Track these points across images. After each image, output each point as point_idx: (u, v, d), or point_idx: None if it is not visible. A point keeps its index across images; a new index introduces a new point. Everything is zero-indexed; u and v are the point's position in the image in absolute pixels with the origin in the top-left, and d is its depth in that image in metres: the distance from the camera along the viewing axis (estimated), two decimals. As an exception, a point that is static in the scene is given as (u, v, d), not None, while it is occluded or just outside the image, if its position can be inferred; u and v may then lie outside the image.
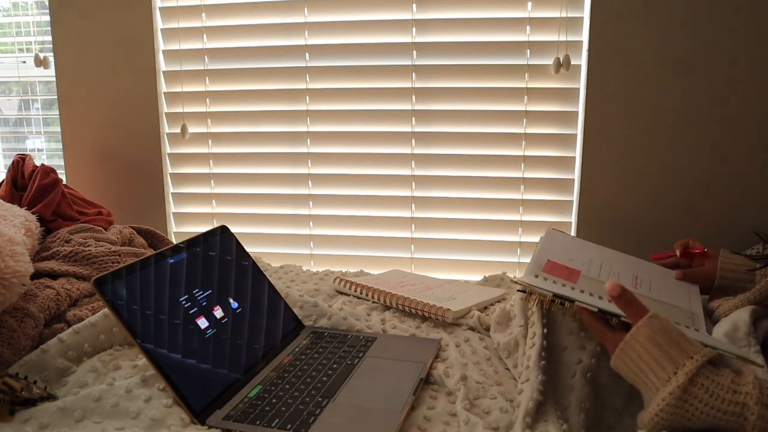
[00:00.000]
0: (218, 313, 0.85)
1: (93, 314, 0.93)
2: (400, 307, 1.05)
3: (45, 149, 1.85)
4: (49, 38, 1.51)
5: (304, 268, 1.34)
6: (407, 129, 1.42)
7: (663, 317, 0.65)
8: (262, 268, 0.99)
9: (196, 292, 0.84)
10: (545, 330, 0.81)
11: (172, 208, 1.57)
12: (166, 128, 1.53)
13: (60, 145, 1.57)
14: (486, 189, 1.41)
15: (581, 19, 1.31)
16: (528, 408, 0.70)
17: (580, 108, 1.33)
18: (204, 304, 0.84)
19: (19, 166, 1.24)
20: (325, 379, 0.80)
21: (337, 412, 0.72)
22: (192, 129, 1.51)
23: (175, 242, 1.46)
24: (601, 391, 0.75)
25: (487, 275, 1.29)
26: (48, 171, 1.23)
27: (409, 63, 1.39)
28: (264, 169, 1.51)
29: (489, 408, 0.74)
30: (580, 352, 0.78)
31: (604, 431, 0.73)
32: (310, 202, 1.50)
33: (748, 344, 0.71)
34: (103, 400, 0.70)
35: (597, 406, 0.74)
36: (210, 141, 1.52)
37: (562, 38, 1.31)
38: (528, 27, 1.33)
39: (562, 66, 1.30)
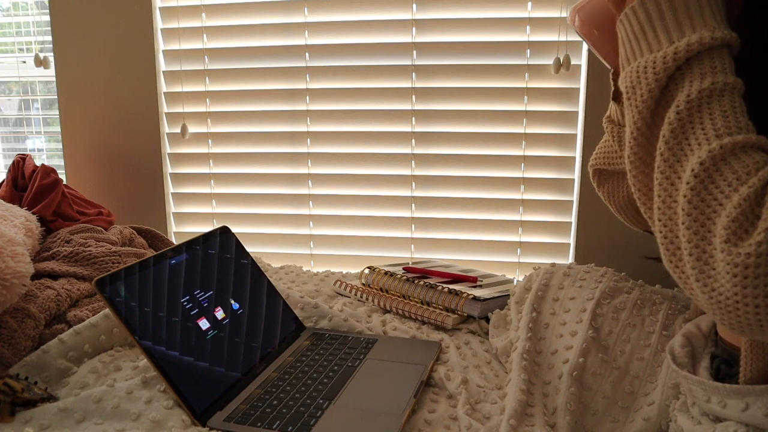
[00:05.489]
0: (219, 314, 0.85)
1: (93, 315, 0.93)
2: (399, 311, 1.06)
3: (45, 149, 1.85)
4: (49, 38, 1.51)
5: (305, 269, 1.34)
6: (407, 129, 1.42)
7: None
8: (262, 269, 0.99)
9: (197, 293, 0.84)
10: (529, 333, 0.82)
11: (172, 208, 1.57)
12: (166, 128, 1.53)
13: (60, 145, 1.57)
14: (486, 189, 1.42)
15: (581, 19, 1.30)
16: (512, 409, 0.70)
17: (580, 108, 1.34)
18: (205, 305, 0.84)
19: (20, 166, 1.24)
20: (326, 380, 0.80)
21: (338, 414, 0.72)
22: (192, 129, 1.51)
23: (175, 242, 1.47)
24: (583, 393, 0.75)
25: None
26: (48, 171, 1.22)
27: (409, 63, 1.39)
28: (264, 169, 1.51)
29: (490, 413, 0.74)
30: (567, 352, 0.79)
31: None
32: (310, 202, 1.50)
33: (705, 344, 0.70)
34: (104, 402, 0.70)
35: (579, 409, 0.74)
36: (210, 141, 1.52)
37: (562, 38, 1.31)
38: (528, 27, 1.33)
39: (562, 66, 1.30)
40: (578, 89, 1.33)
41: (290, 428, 0.68)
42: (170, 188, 1.56)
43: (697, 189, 0.48)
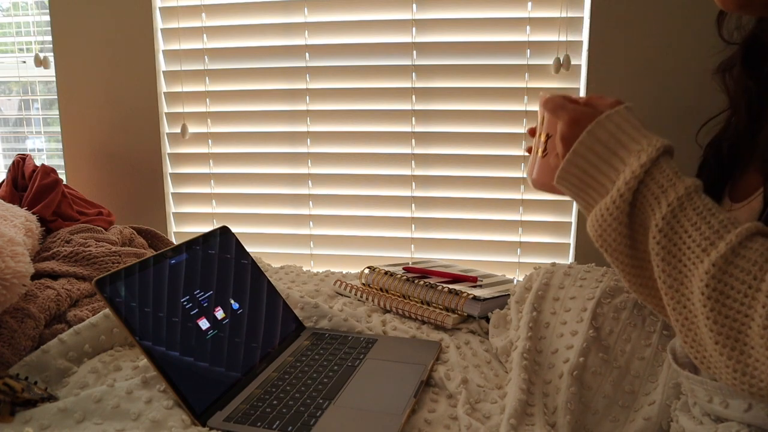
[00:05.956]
0: (219, 314, 0.85)
1: (93, 315, 0.93)
2: (399, 311, 1.06)
3: (45, 149, 1.85)
4: (49, 38, 1.51)
5: (305, 269, 1.34)
6: (407, 129, 1.42)
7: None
8: (262, 269, 0.99)
9: (197, 293, 0.84)
10: (530, 333, 0.82)
11: (172, 208, 1.57)
12: (166, 128, 1.53)
13: (60, 145, 1.57)
14: (486, 189, 1.41)
15: (581, 19, 1.31)
16: (512, 409, 0.70)
17: (581, 108, 1.33)
18: (205, 305, 0.84)
19: (20, 166, 1.24)
20: (326, 380, 0.80)
21: (338, 414, 0.72)
22: (192, 129, 1.51)
23: (175, 242, 1.47)
24: (583, 393, 0.75)
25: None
26: (48, 171, 1.22)
27: (409, 63, 1.39)
28: (264, 169, 1.51)
29: (490, 413, 0.74)
30: (567, 352, 0.79)
31: None
32: (310, 202, 1.50)
33: None
34: (104, 402, 0.70)
35: (580, 408, 0.74)
36: (210, 141, 1.52)
37: (562, 38, 1.31)
38: (528, 27, 1.33)
39: (562, 66, 1.30)
40: (578, 89, 1.33)
41: (290, 428, 0.68)
42: (170, 188, 1.56)
43: (716, 309, 0.48)
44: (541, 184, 0.69)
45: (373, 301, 1.10)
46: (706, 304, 0.48)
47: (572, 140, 0.57)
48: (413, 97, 1.40)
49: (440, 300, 1.03)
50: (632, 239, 0.54)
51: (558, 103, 0.59)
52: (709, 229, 0.49)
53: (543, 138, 0.67)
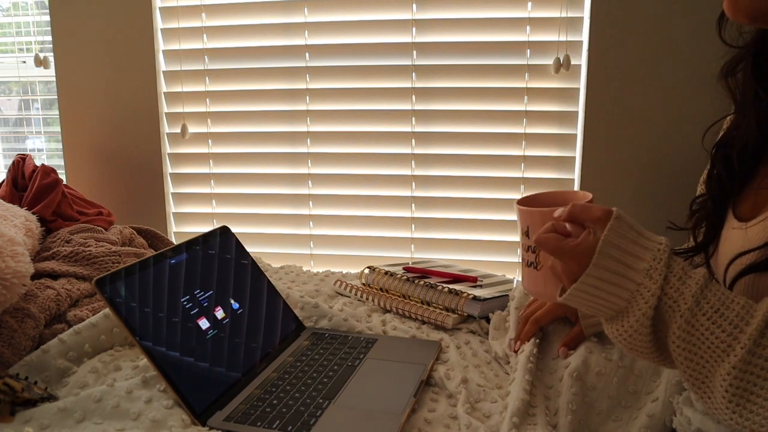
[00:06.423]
0: (219, 313, 0.85)
1: (93, 315, 0.93)
2: (399, 311, 1.05)
3: (45, 149, 1.85)
4: (49, 38, 1.51)
5: (305, 269, 1.34)
6: (407, 129, 1.42)
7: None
8: (262, 269, 0.99)
9: (197, 293, 0.84)
10: (537, 339, 0.82)
11: (172, 208, 1.57)
12: (166, 128, 1.53)
13: (60, 145, 1.57)
14: (486, 189, 1.41)
15: (581, 19, 1.31)
16: (514, 408, 0.70)
17: (580, 108, 1.34)
18: (205, 305, 0.84)
19: (20, 166, 1.24)
20: (326, 380, 0.80)
21: (338, 414, 0.72)
22: (192, 129, 1.51)
23: (175, 242, 1.46)
24: (587, 393, 0.75)
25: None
26: (48, 171, 1.22)
27: (409, 63, 1.39)
28: (264, 169, 1.51)
29: (490, 412, 0.74)
30: (569, 354, 0.79)
31: None
32: (310, 202, 1.50)
33: None
34: (104, 401, 0.71)
35: (583, 408, 0.74)
36: (210, 141, 1.52)
37: (562, 38, 1.31)
38: (528, 27, 1.33)
39: (562, 66, 1.30)
40: (578, 89, 1.33)
41: (290, 428, 0.68)
42: (170, 188, 1.56)
43: (741, 404, 0.50)
44: (537, 294, 0.69)
45: (373, 301, 1.10)
46: (732, 400, 0.50)
47: (577, 273, 0.57)
48: (413, 97, 1.40)
49: (440, 300, 1.03)
50: (658, 340, 0.56)
51: (554, 246, 0.58)
52: (722, 333, 0.51)
53: (528, 248, 0.67)
